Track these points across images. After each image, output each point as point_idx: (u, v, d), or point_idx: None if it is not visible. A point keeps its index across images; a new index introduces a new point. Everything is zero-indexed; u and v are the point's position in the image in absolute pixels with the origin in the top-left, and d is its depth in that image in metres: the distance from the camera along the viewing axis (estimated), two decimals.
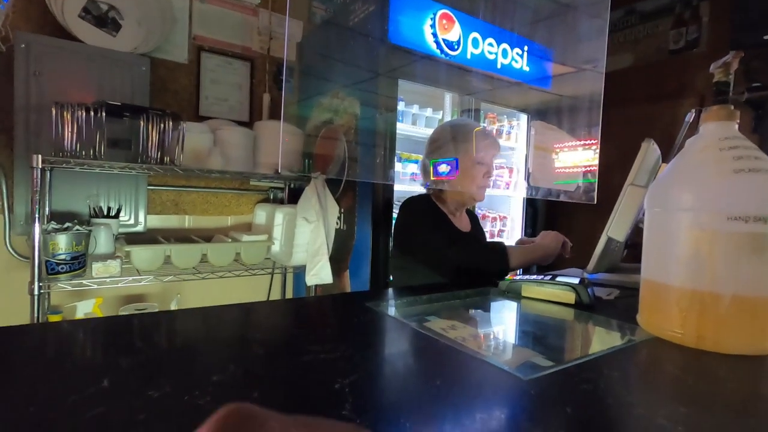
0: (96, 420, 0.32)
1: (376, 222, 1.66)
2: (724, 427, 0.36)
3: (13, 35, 1.47)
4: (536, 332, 0.65)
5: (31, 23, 1.59)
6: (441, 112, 2.18)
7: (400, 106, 1.98)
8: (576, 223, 2.64)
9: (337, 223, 1.81)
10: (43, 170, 1.34)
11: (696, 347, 0.53)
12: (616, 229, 0.87)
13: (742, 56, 0.57)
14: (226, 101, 2.03)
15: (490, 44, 1.79)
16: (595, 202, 1.34)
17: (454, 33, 1.70)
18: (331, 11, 2.30)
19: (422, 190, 1.44)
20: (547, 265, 1.23)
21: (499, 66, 1.82)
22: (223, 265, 1.66)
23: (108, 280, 1.43)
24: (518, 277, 0.82)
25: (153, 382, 0.38)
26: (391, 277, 1.42)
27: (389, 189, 1.70)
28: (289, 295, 2.16)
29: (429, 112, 2.14)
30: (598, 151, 1.44)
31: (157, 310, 1.76)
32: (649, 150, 0.86)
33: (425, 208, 1.32)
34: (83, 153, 1.39)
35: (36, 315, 1.33)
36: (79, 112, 1.36)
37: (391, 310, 0.66)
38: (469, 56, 1.74)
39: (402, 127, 1.97)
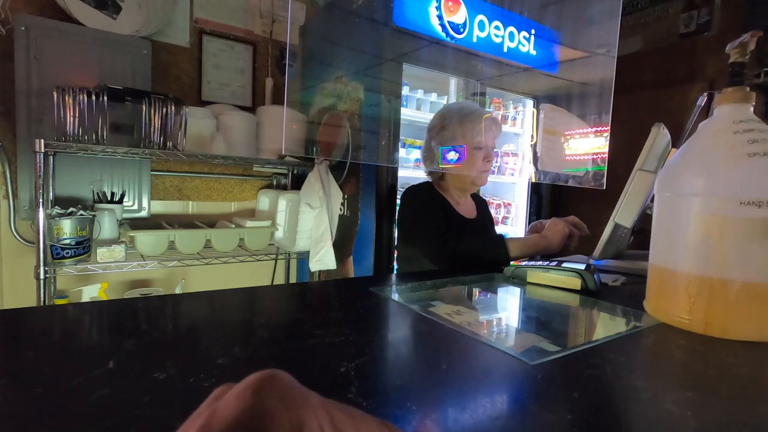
0: (102, 401, 0.32)
1: (379, 208, 1.65)
2: (731, 413, 0.36)
3: (13, 18, 1.45)
4: (542, 318, 0.65)
5: (31, 5, 1.57)
6: (446, 97, 2.15)
7: (405, 90, 1.96)
8: (582, 210, 2.62)
9: (340, 209, 1.80)
10: (46, 155, 1.33)
11: (703, 333, 0.53)
12: (624, 215, 0.86)
13: (759, 36, 0.55)
14: (229, 86, 2.01)
15: (497, 27, 1.75)
16: (604, 188, 1.33)
17: (460, 15, 1.66)
18: None
19: (426, 176, 1.43)
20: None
21: (505, 50, 1.79)
22: (226, 251, 1.67)
23: (113, 264, 1.44)
24: (523, 263, 0.81)
25: (158, 365, 0.38)
26: (396, 266, 1.41)
27: (393, 175, 1.69)
28: (292, 280, 2.17)
29: (434, 97, 2.11)
30: (608, 137, 1.42)
31: (162, 294, 1.77)
32: (659, 135, 0.84)
33: (425, 197, 1.31)
34: (86, 138, 1.38)
35: (42, 299, 1.35)
36: (81, 96, 1.35)
37: (396, 295, 0.66)
38: (475, 39, 1.71)
39: (406, 113, 1.95)
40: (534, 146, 2.21)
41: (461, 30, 1.66)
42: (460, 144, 1.27)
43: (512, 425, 0.32)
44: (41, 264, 1.32)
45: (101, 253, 1.41)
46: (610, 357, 0.46)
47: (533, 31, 1.86)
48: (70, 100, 1.34)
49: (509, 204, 2.55)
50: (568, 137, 1.63)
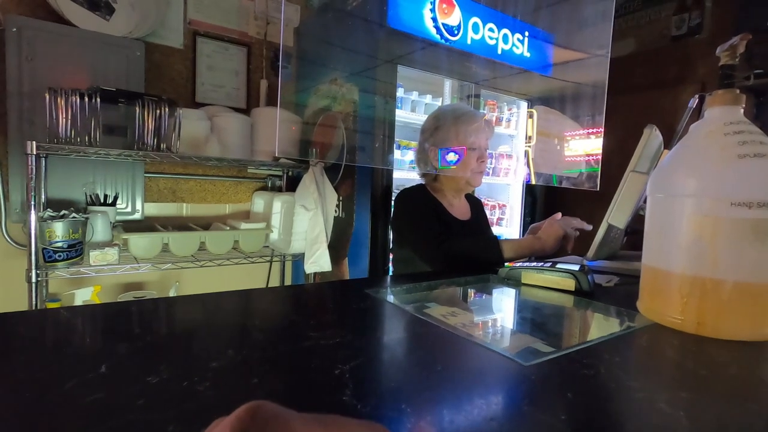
0: (95, 405, 0.32)
1: (374, 210, 1.65)
2: (724, 412, 0.36)
3: (4, 19, 1.44)
4: (536, 318, 0.65)
5: (23, 6, 1.56)
6: (440, 98, 2.16)
7: (399, 92, 1.96)
8: (576, 211, 2.64)
9: (335, 211, 1.80)
10: (38, 157, 1.32)
11: (696, 333, 0.53)
12: (617, 216, 0.87)
13: (749, 39, 0.56)
14: (223, 88, 2.00)
15: (491, 29, 1.76)
16: (598, 189, 1.34)
17: (454, 17, 1.67)
18: None
19: (418, 177, 1.43)
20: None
21: (499, 52, 1.80)
22: (221, 253, 1.66)
23: (106, 267, 1.42)
24: (518, 264, 0.82)
25: (152, 368, 0.38)
26: (391, 269, 1.41)
27: (388, 177, 1.69)
28: (287, 283, 2.16)
29: (428, 98, 2.11)
30: (602, 139, 1.43)
31: (155, 297, 1.76)
32: (651, 136, 0.85)
33: (417, 200, 1.31)
34: (78, 140, 1.37)
35: (34, 303, 1.33)
36: (73, 98, 1.34)
37: (391, 297, 0.66)
38: (469, 42, 1.71)
39: (401, 114, 1.95)
40: (529, 148, 2.22)
41: (455, 32, 1.67)
42: (453, 145, 1.28)
43: (507, 426, 0.32)
44: (33, 267, 1.30)
45: (94, 256, 1.40)
46: (603, 357, 0.46)
47: (527, 34, 1.87)
48: (63, 102, 1.33)
49: (504, 205, 2.56)
50: (562, 139, 1.64)
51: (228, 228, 1.76)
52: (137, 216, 1.75)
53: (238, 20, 2.02)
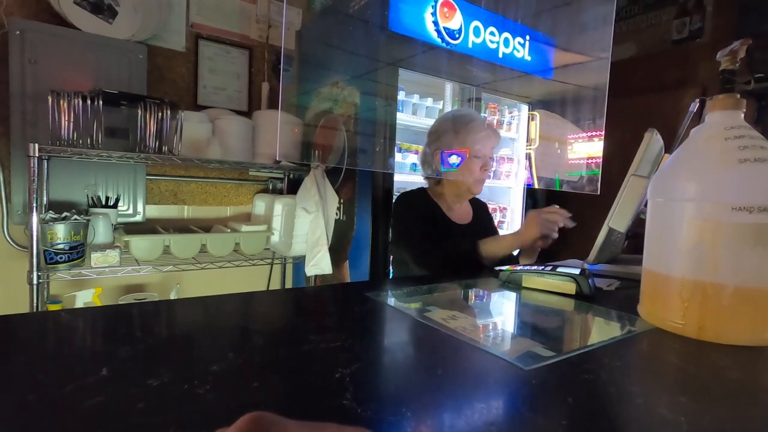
0: (95, 408, 0.32)
1: (375, 212, 1.65)
2: (725, 417, 0.36)
3: (8, 21, 1.45)
4: (537, 322, 0.65)
5: (26, 9, 1.57)
6: (441, 102, 2.16)
7: (401, 95, 1.97)
8: (577, 214, 2.64)
9: (336, 214, 1.80)
10: (40, 159, 1.33)
11: (697, 338, 0.53)
12: (618, 219, 0.87)
13: (749, 44, 0.56)
14: (225, 90, 2.01)
15: (492, 33, 1.77)
16: (599, 193, 1.34)
17: (456, 21, 1.68)
18: None
19: (422, 181, 1.43)
20: (545, 254, 1.23)
21: (500, 55, 1.80)
22: (222, 256, 1.66)
23: (107, 269, 1.43)
24: (519, 268, 0.82)
25: (152, 371, 0.38)
26: (391, 270, 1.42)
27: (389, 179, 1.69)
28: (288, 285, 2.17)
29: (429, 102, 2.12)
30: (603, 142, 1.43)
31: (156, 300, 1.77)
32: (652, 140, 0.85)
33: (414, 203, 1.32)
34: (80, 142, 1.37)
35: (35, 304, 1.33)
36: (76, 101, 1.35)
37: (391, 300, 0.66)
38: (470, 45, 1.72)
39: (402, 117, 1.96)
40: (531, 151, 2.22)
41: (457, 36, 1.68)
42: (457, 150, 1.29)
43: (507, 431, 0.32)
44: (34, 269, 1.31)
45: (95, 258, 1.40)
46: (604, 362, 0.46)
47: (528, 37, 1.88)
48: (65, 105, 1.33)
49: (505, 208, 2.56)
50: (563, 143, 1.64)
51: (229, 230, 1.76)
52: (138, 218, 1.75)
53: (240, 23, 2.03)
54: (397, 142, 1.80)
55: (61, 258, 1.34)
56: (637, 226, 0.98)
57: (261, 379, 0.38)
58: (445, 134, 1.32)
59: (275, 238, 1.81)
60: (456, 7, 1.68)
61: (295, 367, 0.41)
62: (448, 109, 2.16)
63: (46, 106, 1.33)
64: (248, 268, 1.77)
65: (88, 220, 1.42)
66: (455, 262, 1.13)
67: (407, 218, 1.29)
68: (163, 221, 1.87)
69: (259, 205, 2.01)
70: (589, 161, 1.51)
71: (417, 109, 2.08)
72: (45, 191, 1.53)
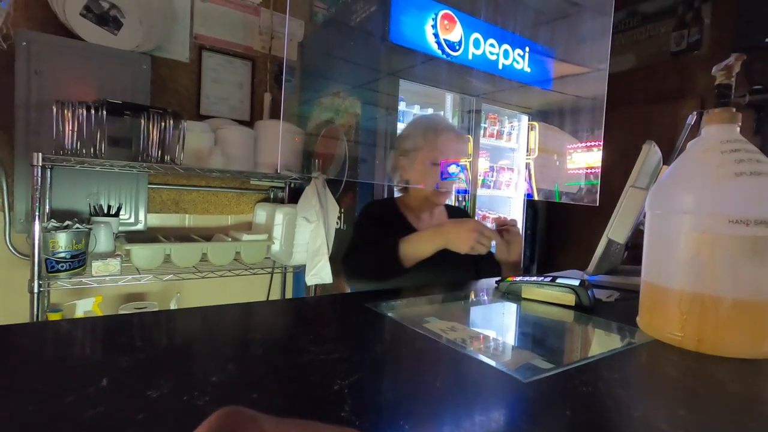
0: (95, 419, 0.32)
1: None
2: (723, 431, 0.36)
3: (15, 33, 1.47)
4: (536, 334, 0.65)
5: (33, 21, 1.59)
6: (442, 112, 2.18)
7: (401, 106, 1.99)
8: (576, 225, 2.64)
9: (337, 223, 1.81)
10: (43, 168, 1.34)
11: (696, 350, 0.53)
12: (617, 231, 0.87)
13: (744, 59, 0.57)
14: (227, 100, 2.03)
15: (492, 45, 1.79)
16: (597, 204, 1.34)
17: (456, 33, 1.70)
18: (332, 11, 2.30)
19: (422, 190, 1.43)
20: (545, 267, 1.21)
21: (500, 67, 1.82)
22: (223, 265, 1.66)
23: (108, 278, 1.43)
24: (518, 279, 0.82)
25: (152, 382, 0.38)
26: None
27: (390, 189, 1.70)
28: (288, 294, 2.16)
29: (430, 112, 2.14)
30: (601, 152, 1.44)
31: (156, 309, 1.77)
32: (650, 152, 0.86)
33: (376, 213, 1.25)
34: (84, 151, 1.39)
35: (36, 313, 1.34)
36: (80, 111, 1.36)
37: (391, 311, 0.66)
38: (470, 57, 1.74)
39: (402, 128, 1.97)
40: (530, 161, 2.23)
41: (457, 47, 1.70)
42: (424, 156, 1.21)
43: None
44: (35, 277, 1.31)
45: (96, 267, 1.41)
46: (603, 374, 0.46)
47: (527, 49, 1.90)
48: (69, 114, 1.35)
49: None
50: (562, 154, 1.65)
51: (230, 239, 1.76)
52: (140, 227, 1.76)
53: (243, 35, 2.06)
54: None
55: (62, 266, 1.34)
56: (637, 237, 0.98)
57: (260, 390, 0.39)
58: (411, 139, 1.24)
59: (276, 247, 1.81)
60: (456, 19, 1.70)
61: (294, 378, 0.41)
62: (449, 119, 2.17)
63: (50, 115, 1.35)
64: (249, 277, 1.77)
65: (90, 229, 1.42)
66: (376, 265, 1.02)
67: (359, 225, 1.21)
68: (164, 230, 1.88)
69: (260, 214, 2.02)
70: (588, 172, 1.51)
71: None
72: (47, 200, 1.54)
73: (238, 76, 2.05)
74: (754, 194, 0.51)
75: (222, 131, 1.75)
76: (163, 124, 1.49)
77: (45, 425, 0.31)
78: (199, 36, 1.95)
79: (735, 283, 0.51)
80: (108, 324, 0.57)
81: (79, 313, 1.60)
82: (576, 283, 0.74)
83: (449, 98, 2.16)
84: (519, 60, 1.87)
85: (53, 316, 1.49)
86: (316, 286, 1.79)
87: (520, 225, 2.53)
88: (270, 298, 2.08)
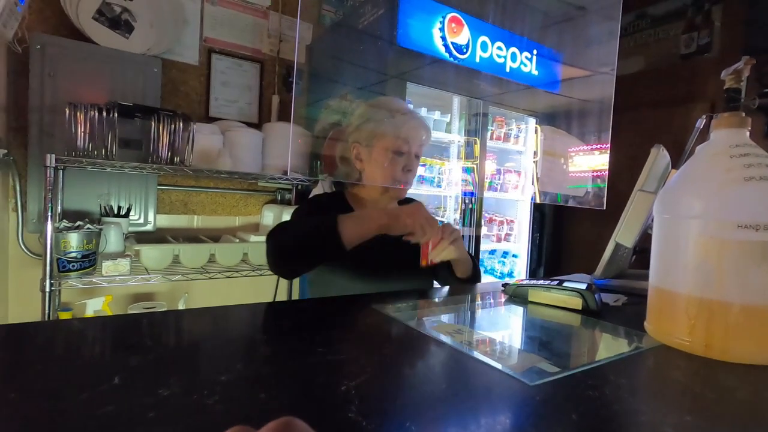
0: (107, 416, 0.33)
1: None
2: None
3: (29, 37, 1.50)
4: (542, 337, 0.65)
5: (47, 25, 1.62)
6: (449, 115, 2.18)
7: None
8: (584, 228, 2.63)
9: None
10: (56, 169, 1.36)
11: (704, 355, 0.53)
12: (625, 235, 0.87)
13: (753, 63, 0.56)
14: (236, 103, 2.05)
15: (499, 48, 1.79)
16: (604, 208, 1.33)
17: (463, 36, 1.70)
18: (340, 14, 2.31)
19: (428, 193, 1.42)
20: (552, 270, 1.19)
21: (507, 70, 1.82)
22: (230, 265, 1.68)
23: (117, 278, 1.45)
24: (525, 282, 0.82)
25: (162, 381, 0.39)
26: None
27: None
28: (295, 296, 2.17)
29: (437, 115, 2.14)
30: (608, 155, 1.43)
31: (165, 308, 1.78)
32: (659, 156, 0.86)
33: (320, 205, 1.11)
34: (95, 153, 1.41)
35: (47, 312, 1.36)
36: (92, 113, 1.38)
37: (397, 313, 0.66)
38: (477, 60, 1.74)
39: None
40: (535, 165, 2.23)
41: (464, 51, 1.70)
42: (382, 143, 1.07)
43: None
44: (47, 277, 1.33)
45: (106, 267, 1.43)
46: (610, 378, 0.46)
47: (535, 52, 1.90)
48: (82, 116, 1.37)
49: (512, 221, 2.55)
50: (568, 155, 1.64)
51: (237, 240, 1.78)
52: (149, 227, 1.78)
53: (252, 38, 2.08)
54: None
55: (73, 266, 1.36)
56: (645, 241, 0.98)
57: (268, 390, 0.39)
58: (365, 124, 1.09)
59: None
60: (464, 22, 1.70)
61: (301, 379, 0.42)
62: (456, 122, 2.18)
63: (63, 117, 1.37)
64: (256, 278, 1.78)
65: (101, 229, 1.44)
66: (309, 240, 0.87)
67: (299, 211, 1.07)
68: (173, 231, 1.90)
69: (268, 215, 2.04)
70: (595, 175, 1.51)
71: None
72: (60, 200, 1.57)
73: (247, 79, 2.07)
74: (763, 199, 0.51)
75: (230, 133, 1.77)
76: (172, 126, 1.51)
77: (58, 422, 0.32)
78: (208, 39, 1.97)
79: (743, 289, 0.51)
80: (119, 323, 0.58)
81: (89, 313, 1.62)
82: (583, 286, 0.74)
83: (456, 101, 2.16)
84: (527, 63, 1.87)
85: (64, 315, 1.52)
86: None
87: (526, 228, 2.51)
88: (276, 300, 2.09)
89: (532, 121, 2.40)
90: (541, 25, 1.96)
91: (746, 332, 0.51)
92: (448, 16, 1.66)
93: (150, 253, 1.53)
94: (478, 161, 2.16)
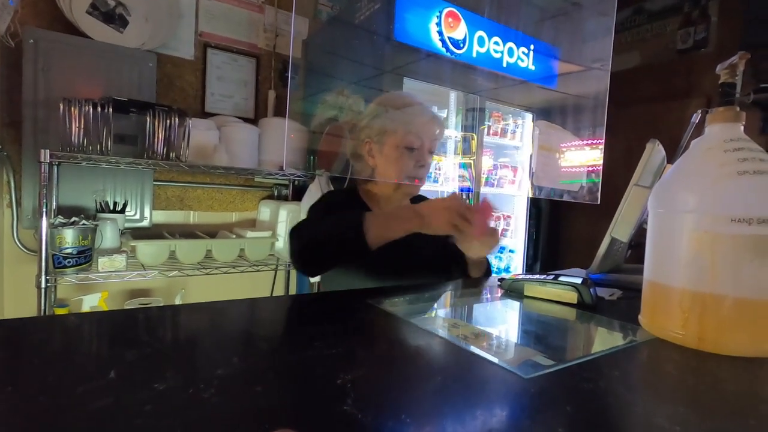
0: (103, 410, 0.33)
1: None
2: (722, 428, 0.37)
3: (22, 31, 1.48)
4: (538, 331, 0.65)
5: (40, 19, 1.60)
6: (446, 110, 2.18)
7: None
8: (580, 223, 2.64)
9: None
10: (50, 165, 1.35)
11: (697, 348, 0.53)
12: (620, 229, 0.87)
13: (748, 58, 0.57)
14: (232, 98, 2.03)
15: (496, 43, 1.79)
16: (599, 203, 1.34)
17: (460, 31, 1.70)
18: (337, 8, 2.30)
19: (431, 190, 1.42)
20: (548, 265, 1.17)
21: (504, 65, 1.82)
22: (227, 261, 1.68)
23: (113, 274, 1.44)
24: (521, 276, 0.82)
25: (158, 375, 0.39)
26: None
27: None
28: (292, 291, 2.17)
29: (434, 110, 2.13)
30: (602, 150, 1.43)
31: (161, 304, 1.78)
32: (654, 150, 0.86)
33: (335, 203, 1.08)
34: (90, 148, 1.40)
35: (43, 308, 1.35)
36: (87, 108, 1.37)
37: (393, 308, 0.67)
38: (474, 55, 1.74)
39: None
40: (530, 161, 2.23)
41: (461, 45, 1.70)
42: (394, 139, 1.05)
43: None
44: (43, 273, 1.32)
45: (102, 263, 1.42)
46: (603, 371, 0.47)
47: (532, 47, 1.89)
48: (76, 112, 1.36)
49: (509, 216, 2.56)
50: (562, 150, 1.65)
51: (234, 236, 1.77)
52: (145, 223, 1.78)
53: (247, 32, 2.06)
54: None
55: (69, 262, 1.36)
56: (640, 236, 0.98)
57: (264, 383, 0.39)
58: (376, 120, 1.07)
59: (280, 244, 1.82)
60: (460, 17, 1.70)
61: (297, 373, 0.42)
62: (453, 117, 2.17)
63: (57, 113, 1.36)
64: (252, 273, 1.78)
65: (96, 225, 1.44)
66: (333, 239, 0.84)
67: (314, 210, 1.04)
68: (169, 227, 1.89)
69: (264, 211, 2.03)
70: (589, 170, 1.51)
71: None
72: (54, 196, 1.56)
73: (243, 74, 2.06)
74: (756, 193, 0.51)
75: (227, 129, 1.76)
76: (168, 121, 1.50)
77: (55, 416, 0.32)
78: (204, 34, 1.96)
79: (736, 282, 0.51)
80: (114, 318, 0.58)
81: (86, 309, 1.62)
82: (578, 281, 0.75)
83: (453, 96, 2.16)
84: (523, 58, 1.87)
85: (60, 311, 1.51)
86: (319, 282, 1.80)
87: (523, 223, 2.53)
88: (274, 295, 2.09)
89: (529, 116, 2.40)
90: (536, 19, 1.96)
91: (739, 325, 0.51)
92: (445, 10, 1.65)
93: (146, 249, 1.52)
94: (475, 157, 2.16)
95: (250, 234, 1.76)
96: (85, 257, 1.39)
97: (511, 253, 2.60)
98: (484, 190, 2.28)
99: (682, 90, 2.28)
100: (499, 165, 2.41)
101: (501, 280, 0.86)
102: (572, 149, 1.59)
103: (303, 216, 1.71)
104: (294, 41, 2.17)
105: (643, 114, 2.37)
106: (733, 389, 0.44)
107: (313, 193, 1.73)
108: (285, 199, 2.12)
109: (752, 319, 0.51)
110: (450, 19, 1.67)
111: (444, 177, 2.23)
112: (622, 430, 0.36)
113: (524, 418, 0.36)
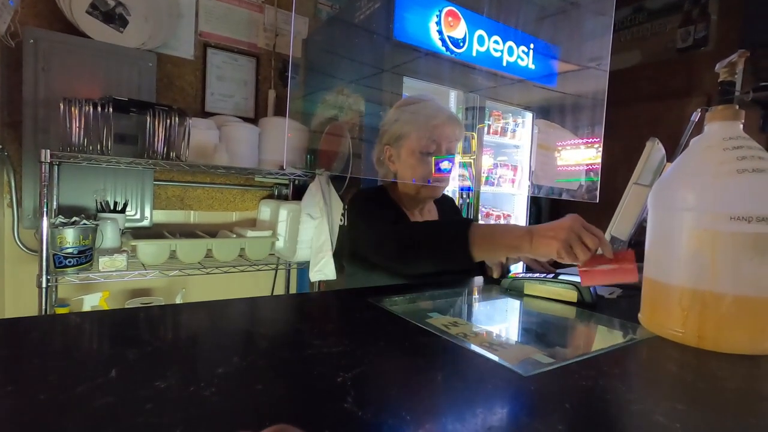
0: (105, 408, 0.33)
1: None
2: (721, 426, 0.37)
3: (22, 31, 1.48)
4: (538, 330, 0.65)
5: (40, 19, 1.60)
6: None
7: None
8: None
9: (341, 220, 1.81)
10: (51, 165, 1.35)
11: (697, 346, 0.53)
12: (620, 227, 0.87)
13: (747, 56, 0.57)
14: (232, 97, 2.03)
15: (496, 42, 1.78)
16: (597, 201, 1.34)
17: (460, 30, 1.70)
18: (336, 8, 2.30)
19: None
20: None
21: (504, 64, 1.82)
22: (227, 261, 1.68)
23: (114, 274, 1.44)
24: (521, 275, 0.82)
25: (159, 374, 0.39)
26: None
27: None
28: (292, 290, 2.17)
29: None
30: (601, 149, 1.43)
31: (162, 304, 1.78)
32: (654, 149, 0.86)
33: (375, 199, 1.11)
34: (90, 148, 1.40)
35: (44, 307, 1.35)
36: (87, 107, 1.37)
37: (394, 307, 0.67)
38: (474, 54, 1.74)
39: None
40: (530, 160, 2.23)
41: (461, 44, 1.70)
42: (414, 144, 1.07)
43: None
44: (44, 273, 1.33)
45: (103, 262, 1.42)
46: (603, 369, 0.47)
47: (532, 46, 1.89)
48: (76, 111, 1.36)
49: (508, 215, 2.56)
50: (561, 148, 1.64)
51: (234, 236, 1.77)
52: (146, 223, 1.78)
53: (247, 32, 2.06)
54: None
55: (69, 262, 1.36)
56: (640, 235, 0.98)
57: (265, 382, 0.39)
58: (395, 124, 1.08)
59: (280, 243, 1.83)
60: (460, 16, 1.70)
61: (298, 371, 0.42)
62: None
63: (57, 112, 1.36)
64: (253, 273, 1.78)
65: (97, 225, 1.44)
66: (438, 248, 0.80)
67: (371, 212, 1.03)
68: (169, 226, 1.89)
69: (265, 210, 2.03)
70: (588, 168, 1.51)
71: None
72: (55, 196, 1.56)
73: (243, 73, 2.06)
74: (755, 191, 0.51)
75: (227, 128, 1.76)
76: (168, 121, 1.50)
77: (57, 414, 0.32)
78: (204, 33, 1.95)
79: (736, 280, 0.51)
80: (116, 317, 0.58)
81: (86, 308, 1.62)
82: (578, 279, 0.75)
83: (453, 95, 2.16)
84: (523, 57, 1.87)
85: (61, 311, 1.51)
86: (319, 282, 1.80)
87: (523, 222, 2.52)
88: (274, 294, 2.09)
89: (529, 115, 2.40)
90: (536, 18, 1.96)
91: (738, 323, 0.51)
92: (445, 9, 1.65)
93: (147, 249, 1.52)
94: (475, 156, 2.16)
95: (250, 233, 1.76)
96: (85, 257, 1.39)
97: None
98: (484, 189, 2.28)
99: (682, 88, 2.28)
100: (499, 164, 2.41)
101: (501, 278, 0.86)
102: (571, 148, 1.59)
103: (303, 216, 1.71)
104: (294, 41, 2.17)
105: (643, 112, 2.37)
106: (732, 387, 0.45)
107: (313, 193, 1.73)
108: (285, 198, 2.12)
109: (752, 317, 0.51)
110: (450, 18, 1.67)
111: None
112: (622, 428, 0.36)
113: (524, 415, 0.36)
